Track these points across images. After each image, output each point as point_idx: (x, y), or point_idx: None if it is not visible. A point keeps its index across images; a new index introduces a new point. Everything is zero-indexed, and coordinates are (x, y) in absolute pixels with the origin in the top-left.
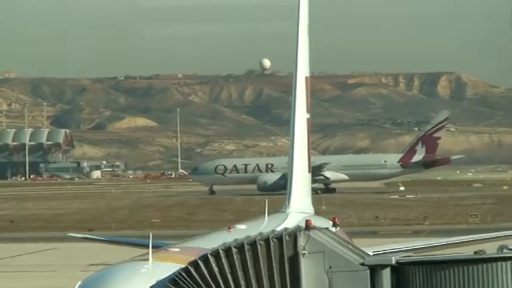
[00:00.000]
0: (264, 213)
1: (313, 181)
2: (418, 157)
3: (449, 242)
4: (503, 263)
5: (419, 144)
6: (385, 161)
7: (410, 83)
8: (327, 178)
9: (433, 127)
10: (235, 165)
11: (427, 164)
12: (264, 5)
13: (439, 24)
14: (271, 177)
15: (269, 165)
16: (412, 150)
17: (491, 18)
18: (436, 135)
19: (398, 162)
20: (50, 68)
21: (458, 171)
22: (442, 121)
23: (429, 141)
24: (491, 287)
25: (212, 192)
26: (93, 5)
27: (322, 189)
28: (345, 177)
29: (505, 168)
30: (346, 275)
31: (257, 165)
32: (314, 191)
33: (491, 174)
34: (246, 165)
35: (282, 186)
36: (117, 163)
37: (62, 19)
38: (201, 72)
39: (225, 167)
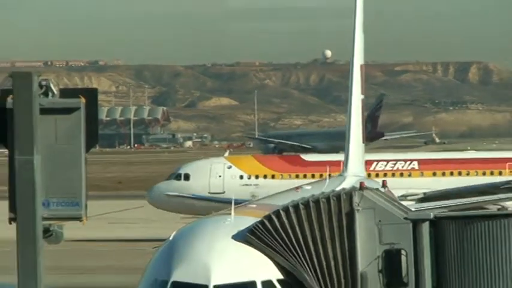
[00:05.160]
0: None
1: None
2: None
3: (478, 201)
4: None
5: (368, 122)
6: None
7: (447, 70)
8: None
9: (375, 106)
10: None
11: (368, 138)
12: (327, 6)
13: (472, 23)
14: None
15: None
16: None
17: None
18: (377, 113)
19: None
20: (150, 56)
21: (484, 143)
22: (380, 101)
23: (373, 119)
24: (511, 237)
25: None
26: (190, 6)
27: None
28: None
29: None
30: (393, 227)
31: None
32: None
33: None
34: None
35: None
36: (205, 135)
37: (162, 17)
38: (275, 60)
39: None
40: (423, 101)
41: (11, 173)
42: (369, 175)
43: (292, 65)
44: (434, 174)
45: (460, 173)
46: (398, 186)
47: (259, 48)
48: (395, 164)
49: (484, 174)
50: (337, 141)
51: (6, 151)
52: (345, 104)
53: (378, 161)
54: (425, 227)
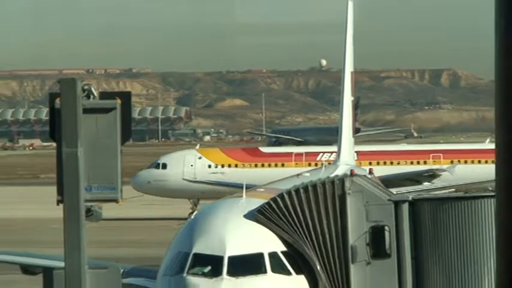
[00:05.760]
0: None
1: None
2: None
3: (450, 185)
4: (485, 199)
5: None
6: None
7: (423, 76)
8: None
9: (355, 105)
10: None
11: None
12: (323, 23)
13: (444, 37)
14: None
15: None
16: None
17: (480, 34)
18: (356, 111)
19: None
20: (175, 65)
21: (454, 137)
22: (357, 102)
23: (353, 116)
24: (475, 216)
25: None
26: (208, 22)
27: None
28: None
29: (486, 135)
30: (378, 208)
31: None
32: None
33: (477, 138)
34: None
35: None
36: (221, 130)
37: (184, 32)
38: (279, 68)
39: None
40: (403, 102)
41: (59, 162)
42: (316, 164)
43: (293, 72)
44: (370, 163)
45: (392, 163)
46: None
47: (266, 58)
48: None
49: (411, 163)
50: (325, 135)
51: (55, 144)
52: (337, 105)
53: (324, 152)
54: (405, 207)
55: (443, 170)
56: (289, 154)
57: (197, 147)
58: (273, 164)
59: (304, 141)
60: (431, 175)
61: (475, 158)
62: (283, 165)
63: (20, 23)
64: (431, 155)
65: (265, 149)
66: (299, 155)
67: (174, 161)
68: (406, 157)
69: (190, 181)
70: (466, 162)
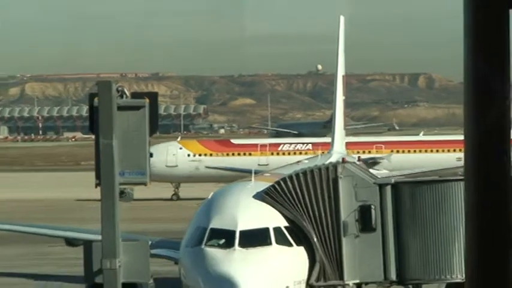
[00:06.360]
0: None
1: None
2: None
3: (428, 170)
4: (455, 182)
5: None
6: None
7: (402, 79)
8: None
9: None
10: None
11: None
12: (320, 34)
13: (420, 47)
14: None
15: None
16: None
17: (450, 43)
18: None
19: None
20: (195, 69)
21: (427, 130)
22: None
23: (344, 113)
24: (448, 197)
25: None
26: (223, 36)
27: None
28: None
29: (455, 128)
30: (365, 189)
31: None
32: None
33: (448, 131)
34: None
35: None
36: (233, 125)
37: (203, 43)
38: (282, 72)
39: None
40: (386, 100)
41: (97, 152)
42: (277, 154)
43: (294, 75)
44: (322, 152)
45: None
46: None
47: (271, 64)
48: (296, 146)
49: (358, 153)
50: (316, 128)
51: (94, 137)
52: (331, 103)
53: (284, 143)
54: (388, 189)
55: (382, 158)
56: (255, 145)
57: (178, 139)
58: (241, 153)
59: (298, 133)
60: (373, 162)
61: (411, 148)
62: (250, 154)
63: (65, 35)
64: (374, 145)
65: (236, 141)
66: (264, 145)
67: (159, 151)
68: (352, 147)
69: (215, 168)
70: (403, 151)
